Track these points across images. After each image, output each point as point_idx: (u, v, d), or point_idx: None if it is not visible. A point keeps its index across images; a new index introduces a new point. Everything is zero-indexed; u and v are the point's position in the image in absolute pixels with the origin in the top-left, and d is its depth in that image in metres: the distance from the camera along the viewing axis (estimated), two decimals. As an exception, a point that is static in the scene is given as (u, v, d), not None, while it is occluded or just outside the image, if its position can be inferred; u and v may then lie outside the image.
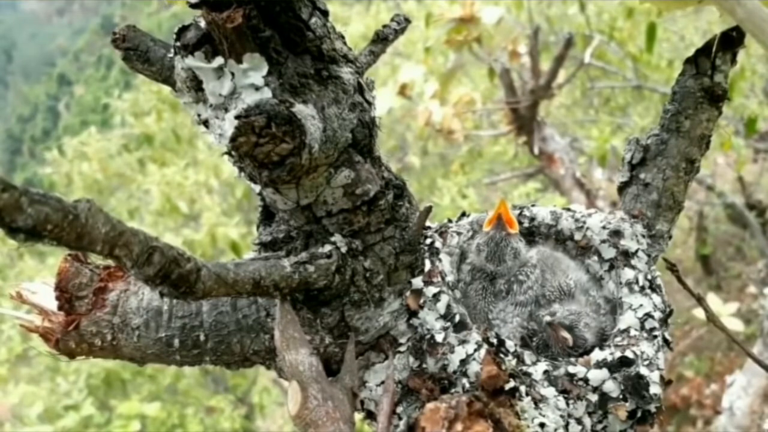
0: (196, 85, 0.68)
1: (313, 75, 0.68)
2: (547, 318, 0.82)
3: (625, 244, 0.88)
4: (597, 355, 0.80)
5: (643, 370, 0.78)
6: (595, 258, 0.91)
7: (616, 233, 0.89)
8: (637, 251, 0.87)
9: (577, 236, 0.92)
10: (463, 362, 0.77)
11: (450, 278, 0.85)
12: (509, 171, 5.30)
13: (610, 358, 0.79)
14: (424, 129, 3.70)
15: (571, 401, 0.77)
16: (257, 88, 0.64)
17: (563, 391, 0.77)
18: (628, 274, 0.87)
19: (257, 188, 0.75)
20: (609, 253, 0.89)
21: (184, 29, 0.66)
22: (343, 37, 0.72)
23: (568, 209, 0.96)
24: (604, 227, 0.90)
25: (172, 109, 6.02)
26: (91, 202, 0.49)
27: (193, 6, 0.63)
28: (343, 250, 0.75)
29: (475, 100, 3.68)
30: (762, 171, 6.18)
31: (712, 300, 2.98)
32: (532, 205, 0.98)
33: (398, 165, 5.98)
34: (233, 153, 0.64)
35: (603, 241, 0.90)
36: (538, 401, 0.75)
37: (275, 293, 0.72)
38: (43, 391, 4.72)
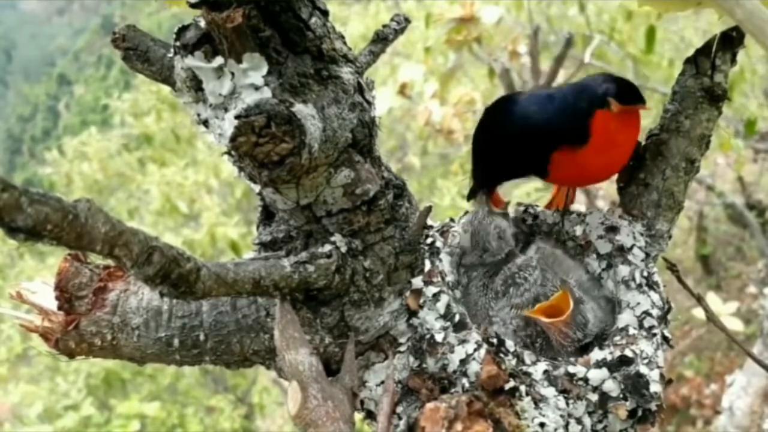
0: (195, 85, 0.68)
1: (313, 75, 0.68)
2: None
3: (620, 239, 0.88)
4: (596, 354, 0.80)
5: (643, 369, 0.78)
6: (594, 256, 0.90)
7: (613, 229, 0.89)
8: (632, 247, 0.87)
9: (577, 233, 0.92)
10: (463, 362, 0.77)
11: (450, 278, 0.85)
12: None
13: (609, 358, 0.79)
14: (424, 129, 3.70)
15: (571, 401, 0.77)
16: (257, 88, 0.64)
17: (563, 391, 0.77)
18: (623, 270, 0.87)
19: (257, 188, 0.75)
20: (605, 248, 0.89)
21: (183, 29, 0.66)
22: (342, 37, 0.72)
23: (568, 209, 0.96)
24: (602, 223, 0.91)
25: (171, 109, 6.02)
26: (90, 202, 0.49)
27: (193, 6, 0.63)
28: (343, 249, 0.75)
29: (475, 100, 3.68)
30: (762, 171, 6.18)
31: (712, 300, 2.98)
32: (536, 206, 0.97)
33: (398, 165, 5.97)
34: (233, 153, 0.64)
35: (600, 237, 0.90)
36: (538, 401, 0.75)
37: (275, 293, 0.72)
38: (42, 390, 4.72)
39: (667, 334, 0.84)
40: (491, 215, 0.89)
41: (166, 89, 0.75)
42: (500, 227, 0.89)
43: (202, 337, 0.79)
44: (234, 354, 0.80)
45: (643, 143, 0.91)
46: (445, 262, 0.84)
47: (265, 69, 0.64)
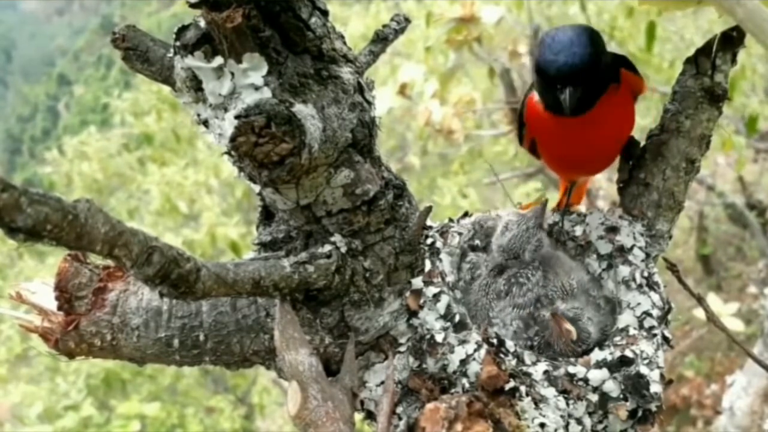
0: (195, 85, 0.68)
1: (313, 75, 0.68)
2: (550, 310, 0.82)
3: (620, 240, 0.88)
4: (597, 354, 0.80)
5: (643, 369, 0.78)
6: (594, 256, 0.90)
7: (613, 229, 0.89)
8: (632, 247, 0.87)
9: (577, 233, 0.92)
10: (463, 362, 0.77)
11: (450, 278, 0.85)
12: (509, 171, 5.30)
13: (609, 358, 0.79)
14: (424, 129, 3.69)
15: (571, 401, 0.77)
16: (257, 88, 0.64)
17: (563, 391, 0.77)
18: (624, 271, 0.87)
19: (257, 188, 0.75)
20: (605, 248, 0.89)
21: (183, 29, 0.66)
22: (342, 37, 0.72)
23: (568, 210, 0.96)
24: (602, 223, 0.91)
25: (172, 108, 6.01)
26: (90, 202, 0.49)
27: (192, 6, 0.63)
28: (343, 250, 0.75)
29: (475, 100, 3.68)
30: (762, 171, 6.18)
31: (713, 300, 2.97)
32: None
33: (398, 165, 5.96)
34: (233, 153, 0.64)
35: (600, 237, 0.90)
36: (538, 401, 0.75)
37: (275, 293, 0.72)
38: (42, 391, 4.71)
39: (667, 334, 0.84)
40: (539, 229, 0.88)
41: (166, 89, 0.75)
42: (541, 242, 0.88)
43: (201, 338, 0.79)
44: (234, 354, 0.80)
45: (643, 143, 0.91)
46: (445, 263, 0.84)
47: (265, 69, 0.64)
